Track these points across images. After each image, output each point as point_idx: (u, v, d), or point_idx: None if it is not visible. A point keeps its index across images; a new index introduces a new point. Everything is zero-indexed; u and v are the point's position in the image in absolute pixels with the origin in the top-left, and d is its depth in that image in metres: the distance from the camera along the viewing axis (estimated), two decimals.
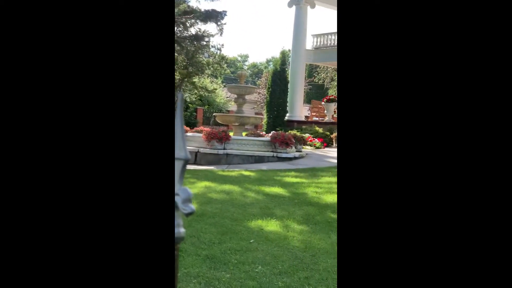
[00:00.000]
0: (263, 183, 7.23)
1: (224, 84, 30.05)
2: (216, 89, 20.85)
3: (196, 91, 20.21)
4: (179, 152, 0.92)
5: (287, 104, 17.31)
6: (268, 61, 62.04)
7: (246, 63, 65.42)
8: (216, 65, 16.26)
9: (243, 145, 11.20)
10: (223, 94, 28.88)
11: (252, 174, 8.49)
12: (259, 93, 27.11)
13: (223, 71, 18.56)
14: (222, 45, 17.28)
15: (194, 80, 16.68)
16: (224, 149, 10.91)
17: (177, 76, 15.20)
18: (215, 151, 10.76)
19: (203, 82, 21.95)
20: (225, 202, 5.62)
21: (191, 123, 21.93)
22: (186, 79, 16.13)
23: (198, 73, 15.73)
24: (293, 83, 17.47)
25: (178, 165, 0.88)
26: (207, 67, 16.05)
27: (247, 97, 18.82)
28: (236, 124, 12.40)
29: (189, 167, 10.57)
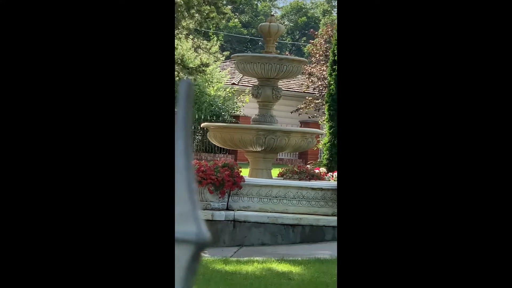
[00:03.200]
0: None
1: (226, 53, 30.55)
2: (208, 64, 21.16)
3: None
4: (183, 224, 1.00)
5: None
6: None
7: (280, 3, 65.84)
8: (208, 6, 16.56)
9: (274, 199, 11.32)
10: (223, 77, 29.26)
11: (295, 270, 8.54)
12: (310, 74, 27.45)
13: (223, 20, 18.85)
14: None
15: None
16: (228, 208, 11.24)
17: None
18: (207, 214, 10.85)
19: (176, 49, 22.23)
20: None
21: None
22: None
23: None
24: None
25: (181, 255, 0.96)
26: (186, 12, 16.34)
27: (283, 84, 18.87)
28: (257, 148, 12.68)
29: None
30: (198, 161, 11.73)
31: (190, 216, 1.04)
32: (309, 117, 27.54)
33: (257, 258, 9.28)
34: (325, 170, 14.08)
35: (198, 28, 17.19)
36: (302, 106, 27.60)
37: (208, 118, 24.29)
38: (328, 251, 9.93)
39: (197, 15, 16.69)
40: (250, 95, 16.38)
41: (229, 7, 18.30)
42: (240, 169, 11.49)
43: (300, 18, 58.57)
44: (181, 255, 1.04)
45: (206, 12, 16.74)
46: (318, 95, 27.01)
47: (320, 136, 16.92)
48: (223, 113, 26.15)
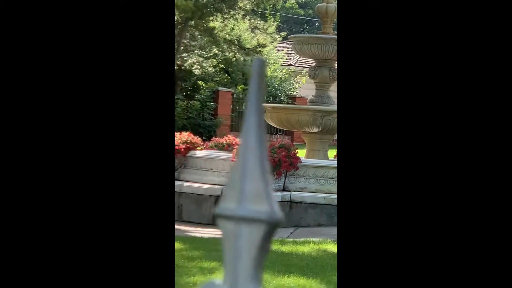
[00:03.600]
0: None
1: (283, 34, 30.55)
2: (265, 45, 21.15)
3: (217, 49, 20.63)
4: (255, 203, 1.01)
5: None
6: None
7: None
8: None
9: (331, 180, 11.31)
10: (280, 58, 29.22)
11: None
12: None
13: (280, 1, 18.76)
14: None
15: (211, 24, 17.02)
16: (284, 189, 11.27)
17: (177, 17, 15.64)
18: None
19: (233, 29, 22.31)
20: None
21: (203, 127, 22.35)
22: (193, 22, 16.45)
23: (221, 7, 16.06)
24: None
25: (250, 235, 0.96)
26: None
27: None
28: (314, 129, 12.67)
29: (202, 230, 10.62)
30: None
31: (262, 195, 1.04)
32: None
33: (313, 239, 9.33)
34: None
35: (255, 8, 17.21)
36: None
37: (265, 99, 24.27)
38: None
39: None
40: (307, 76, 16.33)
41: None
42: (296, 150, 11.50)
43: None
44: (253, 235, 1.04)
45: None
46: None
47: None
48: (279, 94, 26.14)
